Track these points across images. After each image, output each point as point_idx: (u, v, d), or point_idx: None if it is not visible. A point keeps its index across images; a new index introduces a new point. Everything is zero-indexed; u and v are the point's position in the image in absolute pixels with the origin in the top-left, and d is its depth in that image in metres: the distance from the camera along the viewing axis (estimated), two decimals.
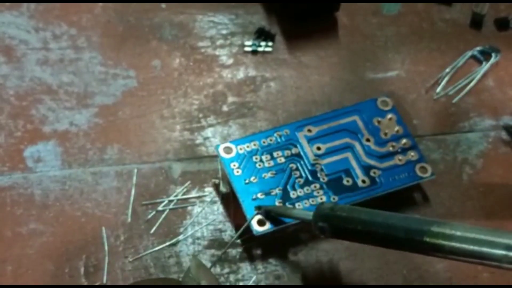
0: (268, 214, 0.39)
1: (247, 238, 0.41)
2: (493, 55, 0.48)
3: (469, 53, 0.49)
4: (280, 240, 0.41)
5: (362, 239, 0.36)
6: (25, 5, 0.48)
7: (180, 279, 0.33)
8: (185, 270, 0.40)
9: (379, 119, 0.44)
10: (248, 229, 0.39)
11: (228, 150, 0.41)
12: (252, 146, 0.42)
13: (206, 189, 0.42)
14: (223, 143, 0.41)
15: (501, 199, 0.44)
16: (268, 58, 0.48)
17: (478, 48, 0.49)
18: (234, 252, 0.41)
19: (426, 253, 0.32)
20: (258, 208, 0.39)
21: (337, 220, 0.35)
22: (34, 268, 0.39)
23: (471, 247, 0.30)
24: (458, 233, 0.31)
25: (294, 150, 0.42)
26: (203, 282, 0.31)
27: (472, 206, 0.43)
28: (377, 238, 0.34)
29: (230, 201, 0.42)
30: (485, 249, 0.30)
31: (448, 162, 0.45)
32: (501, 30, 0.50)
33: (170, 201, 0.42)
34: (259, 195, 0.40)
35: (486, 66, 0.48)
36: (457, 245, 0.31)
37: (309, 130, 0.43)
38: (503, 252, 0.29)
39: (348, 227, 0.35)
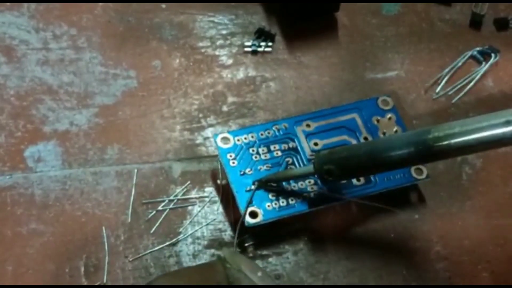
0: (267, 186, 0.40)
1: (247, 238, 0.41)
2: (493, 55, 0.49)
3: (469, 53, 0.49)
4: (280, 240, 0.41)
5: (370, 170, 0.37)
6: (25, 5, 0.48)
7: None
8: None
9: (379, 118, 0.44)
10: (246, 228, 0.39)
11: (225, 140, 0.41)
12: (249, 138, 0.42)
13: (206, 189, 0.43)
14: (221, 133, 0.42)
15: (501, 199, 0.44)
16: (268, 58, 0.48)
17: (478, 48, 0.49)
18: None
19: (436, 159, 0.34)
20: (258, 181, 0.40)
21: (341, 159, 0.37)
22: (34, 268, 0.39)
23: (475, 136, 0.32)
24: (457, 129, 0.32)
25: (291, 144, 0.42)
26: (243, 267, 0.31)
27: (472, 206, 0.43)
28: (384, 163, 0.35)
29: (228, 194, 0.42)
30: (487, 133, 0.31)
31: (448, 162, 0.45)
32: (501, 30, 0.50)
33: (170, 201, 0.42)
34: (253, 187, 0.40)
35: (485, 66, 0.48)
36: (462, 139, 0.32)
37: (308, 125, 0.43)
38: (505, 129, 0.31)
39: (353, 162, 0.36)
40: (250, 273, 0.30)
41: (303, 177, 0.40)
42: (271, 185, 0.40)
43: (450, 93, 0.47)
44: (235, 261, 0.32)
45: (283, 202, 0.40)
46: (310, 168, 0.38)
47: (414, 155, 0.34)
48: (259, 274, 0.30)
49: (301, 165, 0.41)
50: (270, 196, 0.40)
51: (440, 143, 0.32)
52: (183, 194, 0.42)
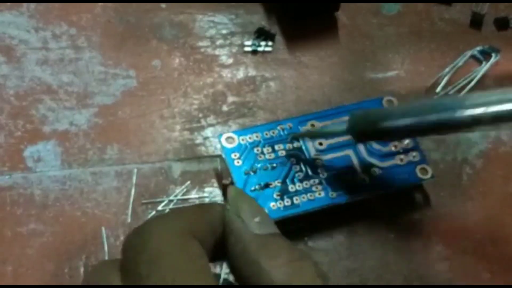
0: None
1: None
2: (493, 55, 0.49)
3: (469, 53, 0.49)
4: None
5: (402, 134, 0.37)
6: (25, 5, 0.48)
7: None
8: None
9: None
10: None
11: (230, 140, 0.41)
12: (254, 137, 0.42)
13: (206, 189, 0.42)
14: (226, 133, 0.42)
15: (501, 199, 0.44)
16: (268, 58, 0.48)
17: (478, 48, 0.49)
18: None
19: (469, 127, 0.33)
20: (292, 135, 0.41)
21: (374, 122, 0.36)
22: (34, 268, 0.39)
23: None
24: (494, 97, 0.31)
25: (296, 144, 0.42)
26: (243, 212, 0.30)
27: (472, 206, 0.43)
28: (418, 128, 0.35)
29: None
30: None
31: (448, 162, 0.45)
32: (501, 30, 0.50)
33: (170, 201, 0.42)
34: (257, 187, 0.40)
35: (486, 66, 0.48)
36: (498, 108, 0.31)
37: (313, 125, 0.43)
38: None
39: (386, 125, 0.36)
40: (248, 219, 0.29)
41: (335, 135, 0.41)
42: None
43: (450, 92, 0.47)
44: (235, 203, 0.30)
45: (287, 201, 0.40)
46: (343, 127, 0.38)
47: (449, 121, 0.33)
48: (257, 219, 0.29)
49: (306, 165, 0.41)
50: (274, 195, 0.40)
51: (473, 111, 0.32)
52: (183, 194, 0.42)
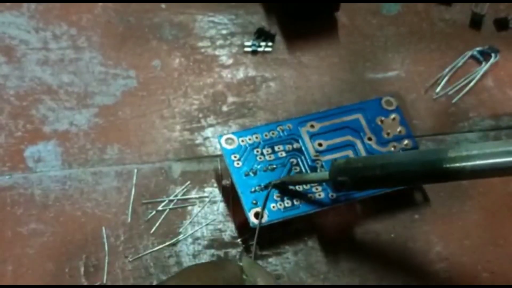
0: (284, 188, 0.40)
1: (247, 238, 0.41)
2: (493, 55, 0.49)
3: (469, 53, 0.49)
4: (280, 240, 0.41)
5: (383, 183, 0.37)
6: (25, 5, 0.48)
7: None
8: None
9: (382, 118, 0.44)
10: (249, 228, 0.39)
11: (229, 141, 0.41)
12: (254, 138, 0.42)
13: (206, 189, 0.43)
14: (226, 134, 0.42)
15: (501, 199, 0.44)
16: (268, 58, 0.48)
17: (478, 48, 0.49)
18: (234, 252, 0.41)
19: (449, 179, 0.33)
20: (274, 183, 0.40)
21: (355, 171, 0.36)
22: (34, 268, 0.39)
23: (491, 161, 0.31)
24: (475, 152, 0.32)
25: (295, 145, 0.42)
26: (259, 279, 0.32)
27: (472, 206, 0.43)
28: (398, 178, 0.35)
29: (230, 194, 0.42)
30: (504, 159, 0.31)
31: None
32: (501, 30, 0.50)
33: (170, 201, 0.42)
34: (257, 188, 0.40)
35: (485, 66, 0.48)
36: (478, 163, 0.32)
37: (312, 126, 0.43)
38: None
39: (367, 174, 0.36)
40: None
41: (318, 182, 0.40)
42: (285, 187, 0.40)
43: (450, 93, 0.47)
44: (252, 273, 0.33)
45: (287, 203, 0.40)
46: (325, 175, 0.38)
47: (428, 174, 0.33)
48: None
49: (306, 165, 0.41)
50: (274, 197, 0.40)
51: (456, 165, 0.32)
52: (183, 194, 0.42)
